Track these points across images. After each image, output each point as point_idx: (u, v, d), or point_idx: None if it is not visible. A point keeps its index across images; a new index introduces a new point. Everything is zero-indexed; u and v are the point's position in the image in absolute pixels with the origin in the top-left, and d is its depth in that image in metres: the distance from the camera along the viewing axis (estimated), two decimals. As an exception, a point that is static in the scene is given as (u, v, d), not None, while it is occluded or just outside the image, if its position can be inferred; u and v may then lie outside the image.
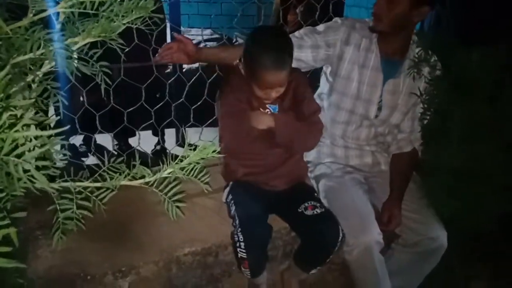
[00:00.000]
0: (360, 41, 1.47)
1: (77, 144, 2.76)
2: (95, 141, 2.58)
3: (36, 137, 0.65)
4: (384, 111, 1.50)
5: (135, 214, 1.47)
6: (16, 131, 0.50)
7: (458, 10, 1.93)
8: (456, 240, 1.45)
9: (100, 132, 1.86)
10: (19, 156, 0.51)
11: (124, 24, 0.74)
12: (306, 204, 1.34)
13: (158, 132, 2.62)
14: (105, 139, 2.62)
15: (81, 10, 0.67)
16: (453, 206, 1.47)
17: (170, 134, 2.81)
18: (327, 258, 1.32)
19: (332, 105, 1.55)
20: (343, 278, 1.60)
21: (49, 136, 0.70)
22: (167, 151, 2.43)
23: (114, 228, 1.38)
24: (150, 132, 2.69)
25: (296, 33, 1.49)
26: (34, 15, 0.66)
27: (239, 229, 1.22)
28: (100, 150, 2.45)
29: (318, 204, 1.34)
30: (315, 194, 1.43)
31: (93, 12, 0.69)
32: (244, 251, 1.21)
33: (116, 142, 2.49)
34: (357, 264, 1.35)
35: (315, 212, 1.31)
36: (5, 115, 0.50)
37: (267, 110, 1.34)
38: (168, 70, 2.73)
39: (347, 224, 1.33)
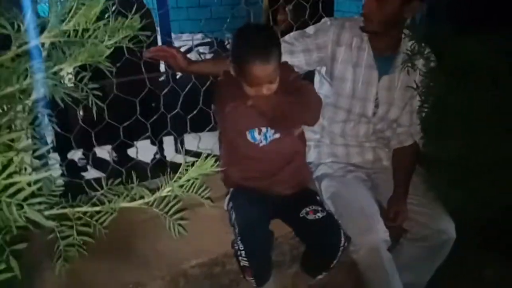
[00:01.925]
0: (351, 40, 1.45)
1: (76, 158, 2.76)
2: (94, 155, 2.58)
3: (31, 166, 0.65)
4: (382, 107, 1.49)
5: (137, 229, 1.46)
6: (9, 175, 0.49)
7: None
8: (463, 231, 1.44)
9: (98, 146, 1.86)
10: (12, 194, 0.50)
11: (110, 46, 0.73)
12: (308, 209, 1.32)
13: (155, 142, 2.61)
14: (103, 151, 2.61)
15: (65, 39, 0.66)
16: (457, 197, 1.46)
17: (169, 142, 2.80)
18: (331, 263, 1.30)
19: (329, 105, 1.53)
20: (354, 278, 1.59)
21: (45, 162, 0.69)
22: (166, 160, 2.42)
23: (118, 245, 1.37)
24: (148, 141, 2.68)
25: (286, 38, 1.48)
26: (18, 47, 0.65)
27: (239, 237, 1.21)
28: (99, 163, 2.45)
29: (319, 209, 1.32)
30: (318, 198, 1.41)
31: (77, 40, 0.68)
32: (245, 259, 1.20)
33: (115, 155, 2.48)
34: (365, 264, 1.34)
35: (317, 217, 1.29)
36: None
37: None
38: (162, 78, 2.72)
39: (352, 224, 1.32)
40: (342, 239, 1.26)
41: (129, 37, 0.84)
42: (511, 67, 1.37)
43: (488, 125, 1.44)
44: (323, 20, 1.52)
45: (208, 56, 3.34)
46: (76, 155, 2.68)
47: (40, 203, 0.52)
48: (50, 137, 2.14)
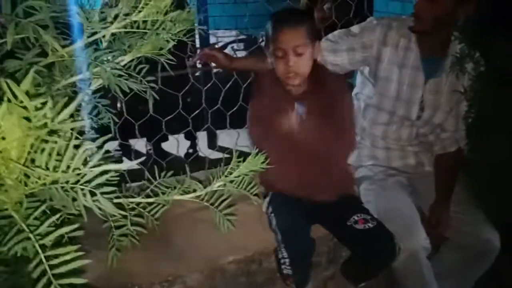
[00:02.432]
0: (398, 40, 1.41)
1: (112, 150, 2.81)
2: (130, 147, 2.61)
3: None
4: (427, 111, 1.44)
5: (173, 222, 1.47)
6: (87, 164, 0.50)
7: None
8: (506, 240, 1.39)
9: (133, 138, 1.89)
10: (82, 182, 0.51)
11: (172, 39, 0.73)
12: (356, 218, 1.26)
13: (190, 136, 2.63)
14: (137, 143, 2.65)
15: (133, 30, 0.66)
16: (502, 206, 1.40)
17: (201, 136, 2.82)
18: (379, 273, 1.27)
19: (371, 106, 1.51)
20: (387, 284, 1.56)
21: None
22: (200, 154, 2.44)
23: (157, 236, 1.38)
24: (178, 135, 2.70)
25: (330, 36, 1.46)
26: (88, 36, 0.66)
27: (283, 245, 1.19)
28: (134, 155, 2.48)
29: (369, 217, 1.27)
30: (363, 205, 1.37)
31: (143, 30, 0.69)
32: (289, 267, 1.18)
33: (149, 147, 2.52)
34: (403, 271, 1.31)
35: (367, 227, 1.24)
36: (81, 150, 0.50)
37: (294, 110, 1.30)
38: (198, 74, 2.73)
39: (392, 229, 1.28)
40: (397, 248, 1.21)
41: (184, 31, 0.85)
42: None
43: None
44: (369, 19, 1.49)
45: (243, 53, 3.35)
46: (111, 146, 2.73)
47: (111, 192, 0.53)
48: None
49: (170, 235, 1.41)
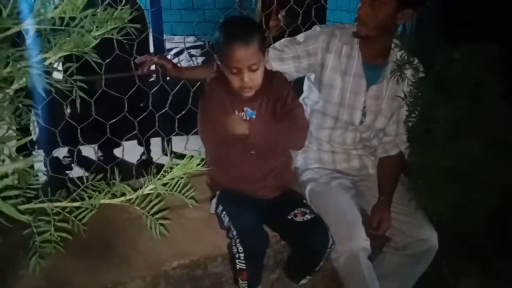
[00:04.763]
0: (341, 48, 1.46)
1: (61, 157, 2.70)
2: (79, 153, 2.53)
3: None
4: (369, 117, 1.49)
5: (119, 228, 1.43)
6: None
7: (439, 9, 1.94)
8: (445, 240, 1.45)
9: (84, 144, 1.82)
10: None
11: (97, 37, 0.72)
12: (296, 211, 1.32)
13: (143, 142, 2.58)
14: (89, 150, 2.57)
15: (50, 27, 0.64)
16: (441, 207, 1.46)
17: (156, 143, 2.77)
18: (317, 266, 1.30)
19: (316, 111, 1.54)
20: (334, 284, 1.58)
21: (27, 155, 0.67)
22: (153, 160, 2.39)
23: (98, 243, 1.34)
24: (135, 141, 2.65)
25: (276, 45, 1.48)
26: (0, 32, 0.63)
27: (238, 240, 1.19)
28: (84, 162, 2.40)
29: (307, 211, 1.33)
30: (304, 201, 1.42)
31: (63, 28, 0.66)
32: (243, 262, 1.19)
33: (100, 154, 2.44)
34: (345, 271, 1.34)
35: (305, 219, 1.30)
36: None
37: (243, 113, 1.31)
38: (152, 79, 2.69)
39: (333, 231, 1.32)
40: (330, 241, 1.27)
41: (117, 29, 0.83)
42: (494, 79, 1.39)
43: (473, 135, 1.46)
44: (313, 27, 1.53)
45: (199, 59, 3.33)
46: (61, 153, 2.63)
47: (16, 196, 0.50)
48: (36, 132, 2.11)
49: (113, 241, 1.37)
